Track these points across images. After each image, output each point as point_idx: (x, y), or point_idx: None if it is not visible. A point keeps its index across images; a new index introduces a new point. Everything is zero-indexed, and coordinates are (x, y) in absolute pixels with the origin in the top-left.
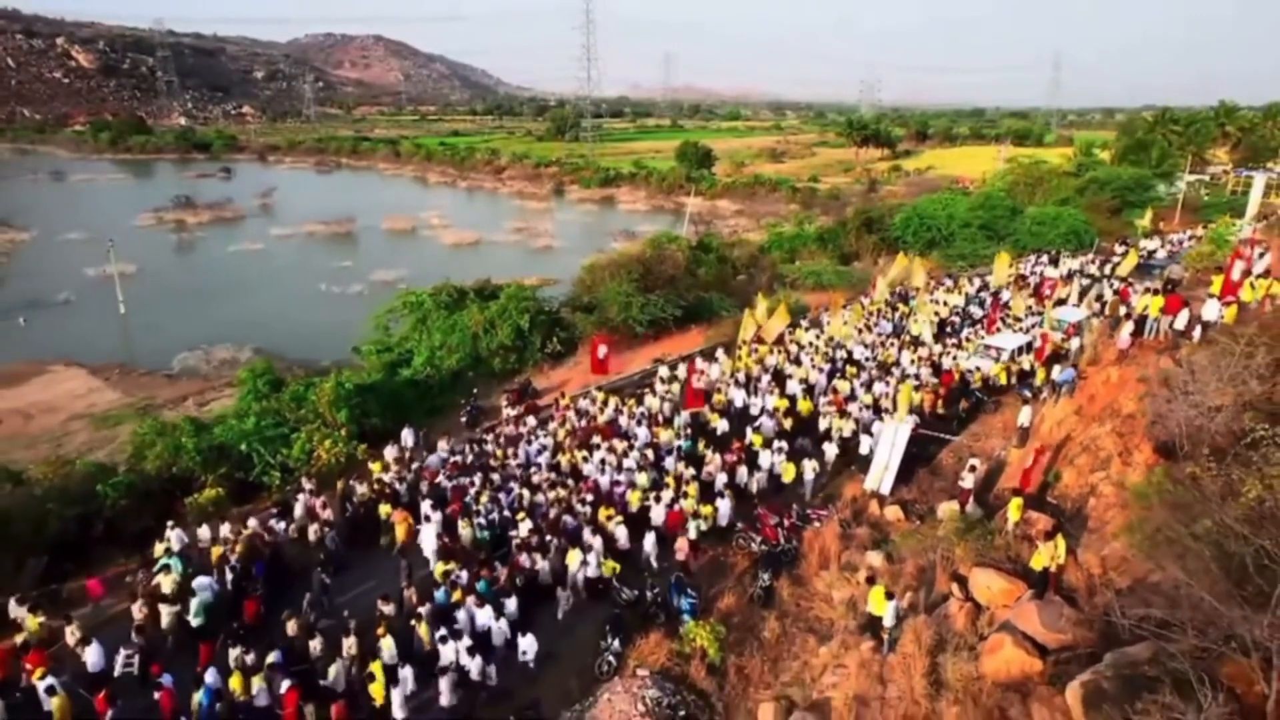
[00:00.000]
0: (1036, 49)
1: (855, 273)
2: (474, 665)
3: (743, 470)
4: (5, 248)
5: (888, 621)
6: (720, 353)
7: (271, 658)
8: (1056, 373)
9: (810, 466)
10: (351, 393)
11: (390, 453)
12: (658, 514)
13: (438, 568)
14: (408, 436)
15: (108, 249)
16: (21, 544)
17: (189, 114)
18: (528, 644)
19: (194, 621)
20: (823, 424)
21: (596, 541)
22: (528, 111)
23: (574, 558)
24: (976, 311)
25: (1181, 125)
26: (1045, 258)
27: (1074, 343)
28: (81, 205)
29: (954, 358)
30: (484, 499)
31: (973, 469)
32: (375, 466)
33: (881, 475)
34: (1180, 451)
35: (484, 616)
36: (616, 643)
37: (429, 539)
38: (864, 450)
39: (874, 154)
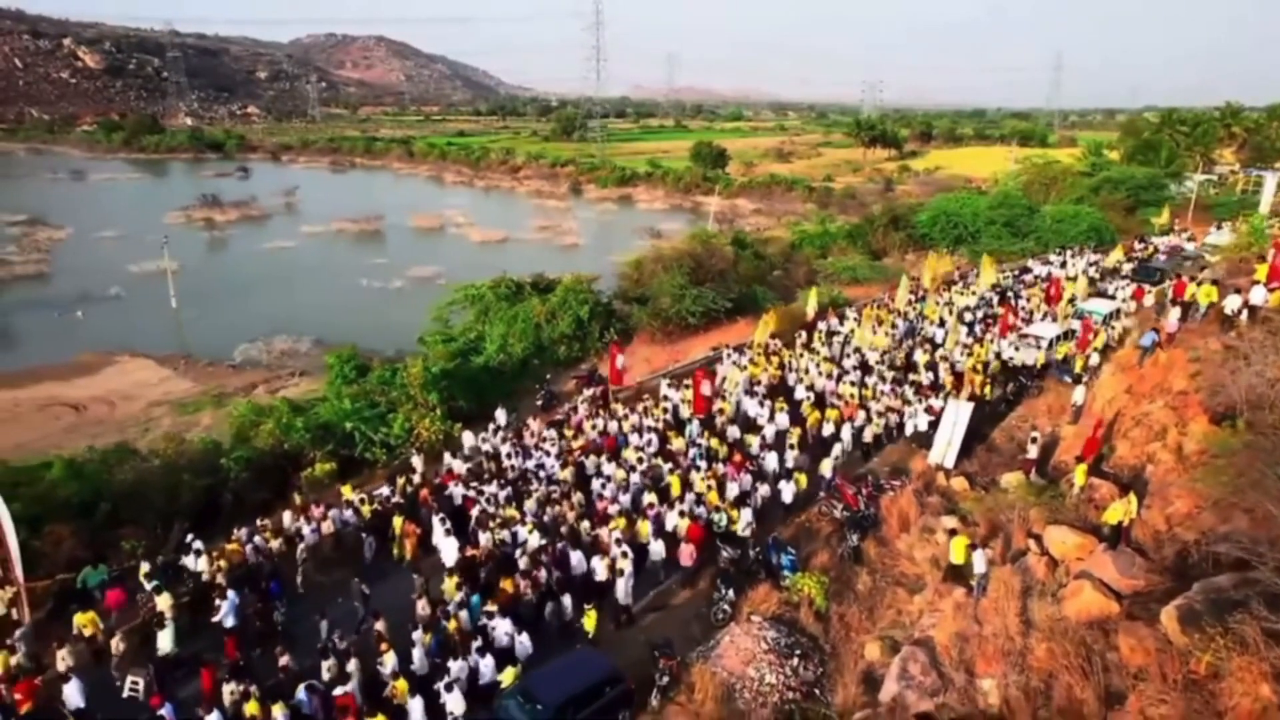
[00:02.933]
0: (1036, 51)
1: (889, 268)
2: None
3: (746, 479)
4: (45, 245)
5: (978, 569)
6: (732, 354)
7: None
8: (1095, 358)
9: (827, 465)
10: (438, 376)
11: (478, 440)
12: (674, 522)
13: (448, 584)
14: (501, 416)
15: (162, 244)
16: (160, 511)
17: (195, 114)
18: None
19: (163, 648)
20: (827, 430)
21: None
22: (531, 112)
23: (623, 561)
24: (986, 311)
25: (1188, 126)
26: (1067, 256)
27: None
28: (108, 204)
29: (952, 364)
30: (511, 510)
31: (1034, 440)
32: (345, 490)
33: (945, 450)
34: (1240, 417)
35: (503, 631)
36: (731, 593)
37: (449, 551)
38: (923, 428)
39: (881, 154)
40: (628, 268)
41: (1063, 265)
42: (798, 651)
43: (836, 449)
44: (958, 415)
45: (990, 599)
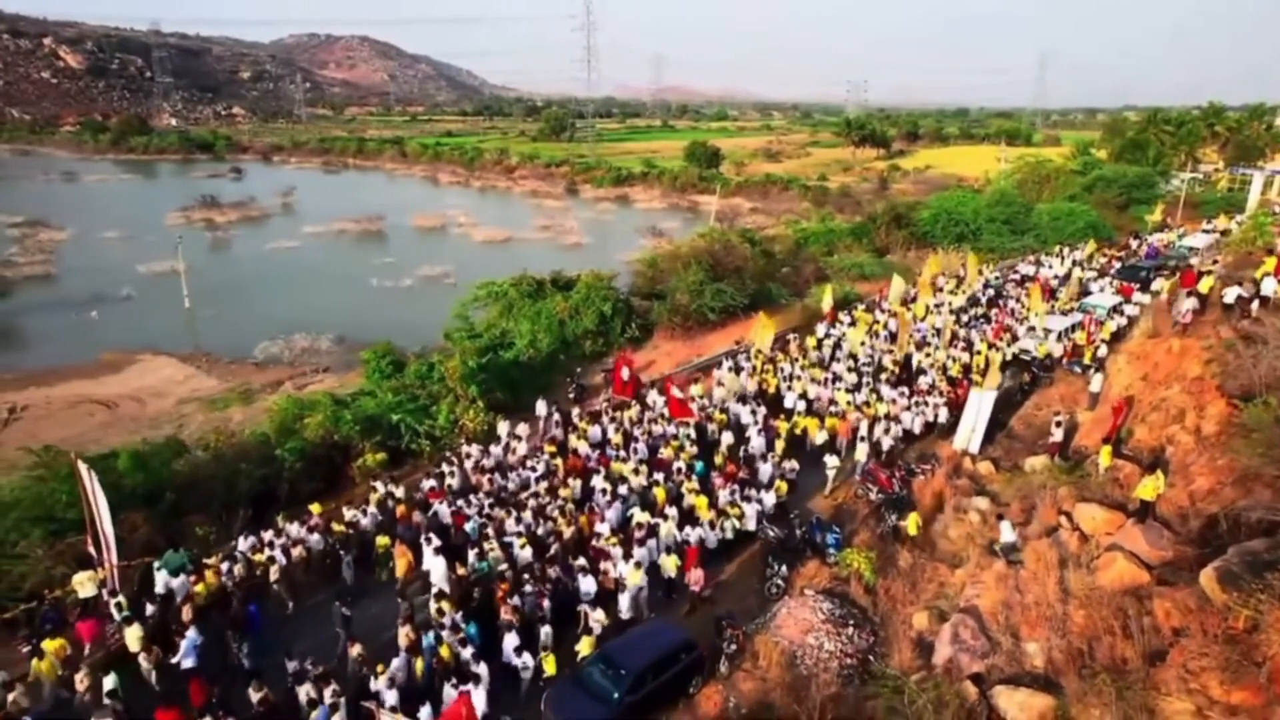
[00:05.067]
0: (1017, 52)
1: (896, 264)
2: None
3: (735, 488)
4: (48, 246)
5: (1006, 539)
6: (729, 359)
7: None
8: (1104, 349)
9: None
10: (475, 370)
11: (523, 427)
12: (671, 538)
13: (433, 608)
14: (541, 407)
15: (176, 244)
16: (220, 501)
17: (179, 115)
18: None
19: (107, 684)
20: (821, 438)
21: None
22: (516, 112)
23: (636, 576)
24: (975, 311)
25: (1173, 126)
26: (1055, 256)
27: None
28: (105, 205)
29: (944, 367)
30: (508, 522)
31: (1059, 424)
32: (315, 507)
33: (969, 436)
34: (1259, 399)
35: (508, 645)
36: (783, 569)
37: (438, 572)
38: (942, 420)
39: (870, 154)
40: (642, 265)
41: (1050, 266)
42: (851, 621)
43: (831, 461)
44: (981, 403)
45: (1029, 570)
